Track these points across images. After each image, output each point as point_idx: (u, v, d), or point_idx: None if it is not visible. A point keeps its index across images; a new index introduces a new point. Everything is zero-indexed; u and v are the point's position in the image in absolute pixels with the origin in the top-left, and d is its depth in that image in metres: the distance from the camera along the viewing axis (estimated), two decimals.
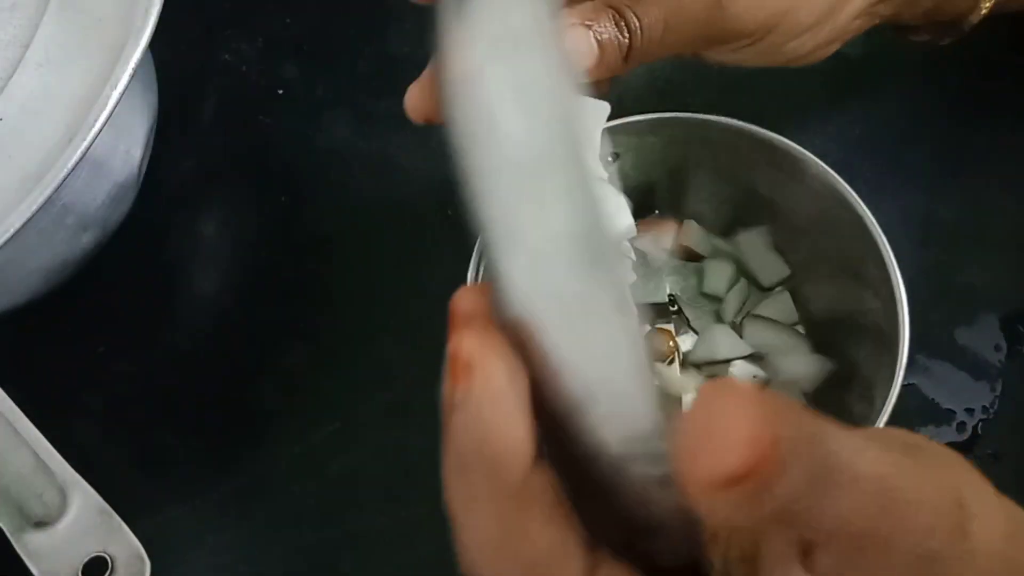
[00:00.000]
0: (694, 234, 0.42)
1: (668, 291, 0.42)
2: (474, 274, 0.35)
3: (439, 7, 0.18)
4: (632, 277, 0.39)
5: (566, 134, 0.17)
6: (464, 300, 0.19)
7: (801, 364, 0.39)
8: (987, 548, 0.17)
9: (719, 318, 0.41)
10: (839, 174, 0.36)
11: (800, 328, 0.41)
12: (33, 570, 0.31)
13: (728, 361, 0.40)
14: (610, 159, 0.39)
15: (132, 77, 0.33)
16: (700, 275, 0.42)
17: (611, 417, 0.18)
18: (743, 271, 0.41)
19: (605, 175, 0.17)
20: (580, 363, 0.18)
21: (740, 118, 0.37)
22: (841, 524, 0.16)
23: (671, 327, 0.41)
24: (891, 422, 0.33)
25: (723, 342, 0.40)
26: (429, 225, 0.46)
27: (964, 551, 0.16)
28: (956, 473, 0.17)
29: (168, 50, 0.47)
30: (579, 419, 0.18)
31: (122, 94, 0.32)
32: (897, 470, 0.16)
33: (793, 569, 0.17)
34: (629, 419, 0.18)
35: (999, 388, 0.42)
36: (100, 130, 0.32)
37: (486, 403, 0.17)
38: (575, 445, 0.18)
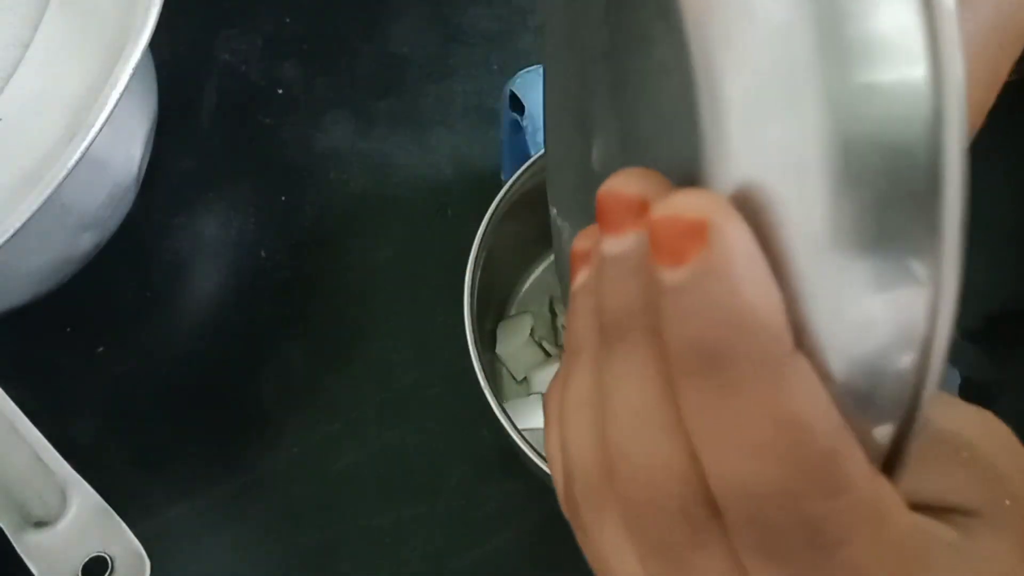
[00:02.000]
0: None
1: None
2: (472, 275, 0.35)
3: None
4: None
5: None
6: (632, 180, 0.15)
7: None
8: None
9: None
10: None
11: None
12: (33, 570, 0.31)
13: None
14: None
15: (132, 77, 0.33)
16: None
17: (835, 335, 0.14)
18: None
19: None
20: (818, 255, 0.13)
21: None
22: None
23: None
24: None
25: None
26: (429, 225, 0.46)
27: None
28: None
29: (168, 50, 0.47)
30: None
31: (122, 94, 0.32)
32: None
33: None
34: (855, 334, 0.14)
35: (999, 388, 0.43)
36: (100, 130, 0.32)
37: (741, 265, 0.13)
38: None
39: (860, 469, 0.14)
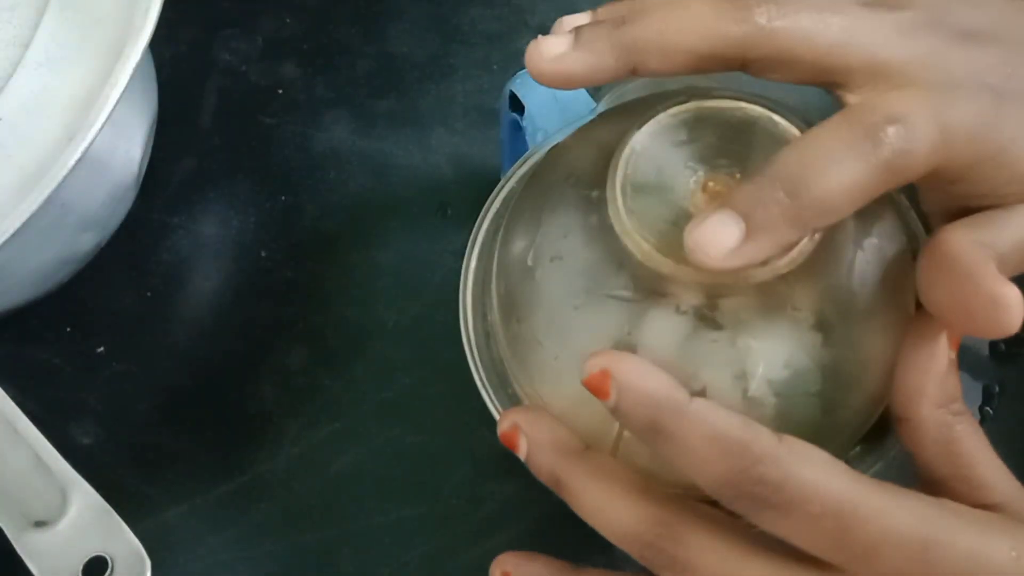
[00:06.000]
0: None
1: None
2: (472, 274, 0.35)
3: None
4: None
5: None
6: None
7: None
8: None
9: None
10: None
11: None
12: (33, 570, 0.31)
13: None
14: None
15: (132, 77, 0.33)
16: None
17: None
18: None
19: None
20: None
21: None
22: None
23: None
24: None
25: None
26: (429, 225, 0.46)
27: None
28: None
29: (168, 50, 0.47)
30: None
31: (122, 94, 0.32)
32: None
33: None
34: None
35: (999, 388, 0.42)
36: (100, 130, 0.32)
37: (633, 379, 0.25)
38: None
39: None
